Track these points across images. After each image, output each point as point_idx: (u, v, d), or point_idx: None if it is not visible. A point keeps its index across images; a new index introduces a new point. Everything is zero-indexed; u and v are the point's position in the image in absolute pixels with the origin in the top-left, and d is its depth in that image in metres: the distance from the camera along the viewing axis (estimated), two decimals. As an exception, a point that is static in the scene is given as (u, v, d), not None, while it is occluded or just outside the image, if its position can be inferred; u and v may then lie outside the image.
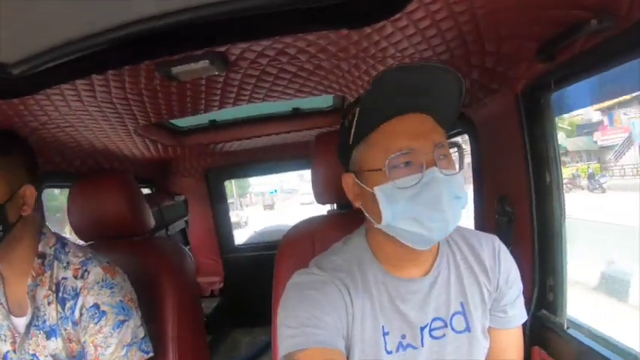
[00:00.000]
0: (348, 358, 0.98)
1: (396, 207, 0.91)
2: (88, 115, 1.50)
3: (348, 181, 1.05)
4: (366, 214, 1.02)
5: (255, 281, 3.53)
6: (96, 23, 0.86)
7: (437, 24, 1.07)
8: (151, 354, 1.26)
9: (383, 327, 1.00)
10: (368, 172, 0.96)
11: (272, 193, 44.25)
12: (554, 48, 1.10)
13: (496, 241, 1.13)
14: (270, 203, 39.22)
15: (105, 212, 1.57)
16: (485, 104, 1.60)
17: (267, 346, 3.28)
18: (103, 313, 1.19)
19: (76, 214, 1.59)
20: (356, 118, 0.96)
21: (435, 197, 0.88)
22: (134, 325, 1.24)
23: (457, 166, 0.98)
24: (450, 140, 0.96)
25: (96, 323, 1.18)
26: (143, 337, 1.25)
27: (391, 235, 0.97)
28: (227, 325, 3.75)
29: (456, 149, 1.00)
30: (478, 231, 1.20)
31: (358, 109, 0.95)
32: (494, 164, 1.71)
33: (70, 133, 1.66)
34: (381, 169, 0.91)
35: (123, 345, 1.19)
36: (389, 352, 0.98)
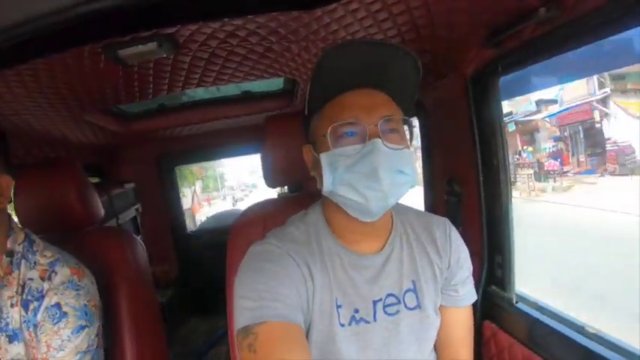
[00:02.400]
0: (307, 331, 0.99)
1: (336, 173, 0.94)
2: (32, 102, 1.43)
3: (307, 151, 1.07)
4: (318, 183, 1.04)
5: (209, 267, 3.51)
6: (37, 5, 0.83)
7: (388, 7, 1.08)
8: None
9: (336, 299, 1.01)
10: (318, 141, 1.00)
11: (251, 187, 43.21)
12: (502, 35, 1.14)
13: (447, 222, 1.18)
14: (241, 197, 37.85)
15: (53, 203, 1.50)
16: (436, 88, 1.63)
17: (226, 334, 3.27)
18: (65, 314, 1.13)
19: (23, 207, 1.51)
20: (308, 90, 0.99)
21: (372, 166, 0.90)
22: (93, 333, 1.18)
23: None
24: (402, 117, 0.98)
25: (54, 324, 1.12)
26: (97, 348, 1.20)
27: (340, 206, 1.00)
28: (183, 314, 3.69)
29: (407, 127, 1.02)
30: (430, 213, 1.23)
31: (310, 81, 0.97)
32: (443, 146, 1.76)
33: (14, 121, 1.58)
34: (324, 136, 0.95)
35: (78, 351, 1.14)
36: (342, 325, 1.00)
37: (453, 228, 1.17)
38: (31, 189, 1.51)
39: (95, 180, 3.10)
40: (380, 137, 0.91)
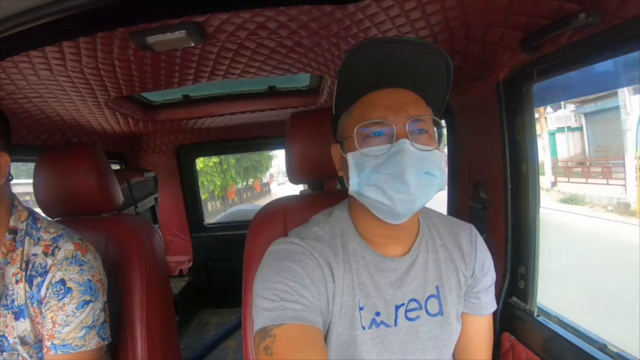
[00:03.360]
0: (327, 332, 0.99)
1: (362, 174, 0.93)
2: (57, 85, 1.44)
3: (335, 151, 1.07)
4: (345, 183, 1.02)
5: (224, 261, 3.52)
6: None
7: (422, 6, 1.06)
8: (108, 341, 1.22)
9: (359, 301, 1.00)
10: (345, 140, 0.99)
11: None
12: (539, 39, 1.11)
13: (473, 229, 1.16)
14: (283, 181, 39.88)
15: (72, 187, 1.51)
16: (465, 91, 1.60)
17: (237, 327, 3.28)
18: (69, 289, 1.14)
19: (41, 189, 1.52)
20: (335, 90, 0.97)
21: (400, 168, 0.88)
22: (98, 308, 1.19)
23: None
24: (432, 117, 0.96)
25: (59, 300, 1.13)
26: (103, 323, 1.21)
27: (366, 207, 0.98)
28: (195, 306, 3.73)
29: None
30: (456, 219, 1.21)
31: (336, 81, 0.96)
32: (470, 151, 1.72)
33: (38, 104, 1.60)
34: (351, 136, 0.94)
35: (83, 326, 1.14)
36: (363, 328, 0.99)
37: (479, 235, 1.15)
38: (51, 172, 1.53)
39: (116, 167, 3.12)
40: (408, 138, 0.89)
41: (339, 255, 1.02)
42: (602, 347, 1.12)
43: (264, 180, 29.61)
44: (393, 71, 0.93)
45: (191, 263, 3.68)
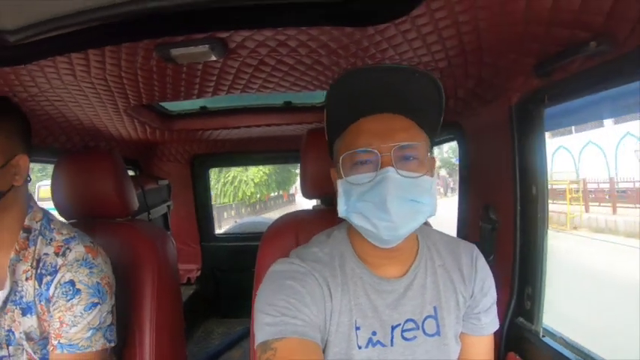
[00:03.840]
0: (324, 350, 1.00)
1: (349, 201, 0.96)
2: (80, 91, 1.47)
3: (332, 174, 1.09)
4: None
5: (232, 272, 3.53)
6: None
7: (439, 31, 1.08)
8: (114, 343, 1.24)
9: (356, 322, 1.01)
10: (337, 166, 1.01)
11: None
12: (551, 65, 1.13)
13: (475, 249, 1.16)
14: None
15: (90, 190, 1.54)
16: (478, 114, 1.63)
17: (242, 337, 3.27)
18: (78, 291, 1.16)
19: (59, 191, 1.56)
20: (325, 116, 1.01)
21: (382, 197, 0.90)
22: (105, 311, 1.21)
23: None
24: (412, 142, 0.94)
25: (68, 300, 1.15)
26: (109, 325, 1.22)
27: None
28: (201, 314, 3.73)
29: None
30: (459, 238, 1.22)
31: (325, 108, 0.99)
32: (481, 173, 1.74)
33: (59, 107, 1.63)
34: (339, 163, 0.97)
35: (90, 327, 1.16)
36: (359, 347, 1.00)
37: (480, 255, 1.16)
38: (68, 174, 1.56)
39: (131, 173, 3.16)
40: (393, 165, 0.91)
41: (337, 276, 1.03)
42: None
43: (291, 191, 35.00)
44: (378, 98, 0.95)
45: (199, 272, 3.69)
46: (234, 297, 3.65)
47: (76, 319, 1.15)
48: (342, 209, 0.98)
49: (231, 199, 26.74)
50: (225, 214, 23.66)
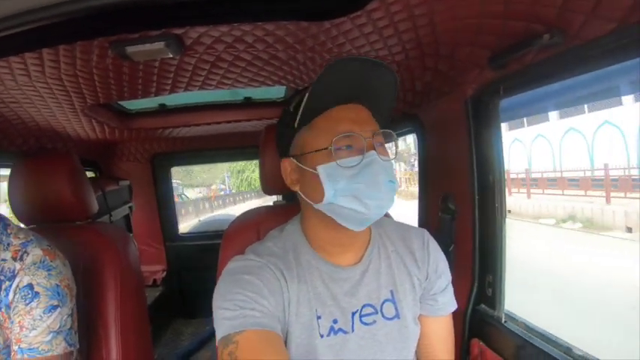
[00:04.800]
0: (286, 342, 1.01)
1: (338, 185, 0.96)
2: (35, 91, 1.43)
3: (287, 166, 1.09)
4: (304, 197, 1.05)
5: (198, 271, 3.49)
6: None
7: (395, 25, 1.10)
8: (75, 348, 1.21)
9: (316, 311, 1.02)
10: (312, 154, 1.00)
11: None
12: (506, 57, 1.16)
13: (425, 233, 1.20)
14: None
15: (47, 194, 1.49)
16: (435, 106, 1.65)
17: (211, 337, 3.24)
18: (36, 294, 1.13)
19: (17, 196, 1.50)
20: (304, 103, 1.00)
21: (374, 177, 0.94)
22: (65, 314, 1.18)
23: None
24: (383, 130, 1.02)
25: (27, 304, 1.12)
26: (70, 329, 1.19)
27: (328, 218, 1.01)
28: (169, 316, 3.67)
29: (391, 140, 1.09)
30: (409, 224, 1.25)
31: (307, 94, 0.99)
32: (440, 163, 1.78)
33: (14, 109, 1.58)
34: (326, 149, 0.96)
35: (50, 330, 1.13)
36: (322, 336, 1.02)
37: (432, 239, 1.19)
38: (25, 179, 1.51)
39: (91, 175, 3.09)
40: (375, 149, 0.96)
41: (293, 268, 1.05)
42: (567, 350, 1.17)
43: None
44: (358, 88, 0.98)
45: (165, 273, 3.63)
46: (202, 296, 3.60)
47: (35, 322, 1.12)
48: (329, 194, 0.97)
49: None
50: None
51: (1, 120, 1.66)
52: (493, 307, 1.44)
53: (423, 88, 1.59)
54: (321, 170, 0.98)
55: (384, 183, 0.95)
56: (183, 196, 30.15)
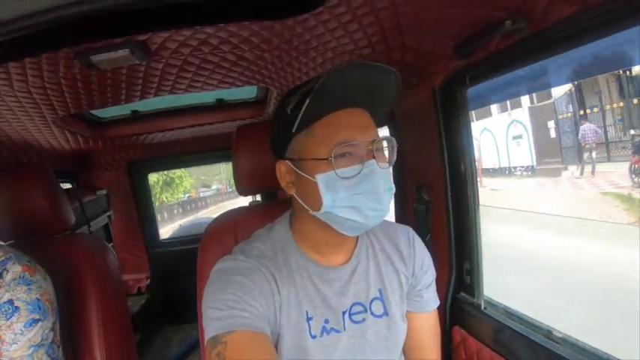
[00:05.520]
0: (277, 344, 1.01)
1: (337, 195, 0.94)
2: (5, 105, 1.41)
3: (282, 168, 1.06)
4: (301, 202, 1.03)
5: (182, 276, 3.46)
6: (11, 8, 0.83)
7: (359, 19, 1.09)
8: None
9: (307, 312, 1.03)
10: (310, 161, 0.98)
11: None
12: (470, 46, 1.17)
13: (410, 231, 1.21)
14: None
15: (23, 209, 1.47)
16: (405, 97, 1.66)
17: (199, 342, 3.22)
18: (17, 309, 1.12)
19: None
20: (304, 107, 0.94)
21: (374, 188, 0.93)
22: (47, 327, 1.17)
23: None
24: (383, 137, 1.00)
25: (7, 319, 1.11)
26: (51, 343, 1.18)
27: (322, 223, 1.00)
28: (156, 323, 3.63)
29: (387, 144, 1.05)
30: (394, 222, 1.26)
31: (308, 99, 0.94)
32: (412, 155, 1.79)
33: None
34: (326, 159, 0.94)
35: (31, 344, 1.12)
36: (314, 337, 1.02)
37: (417, 236, 1.20)
38: (0, 194, 1.49)
39: (67, 186, 3.05)
40: (374, 157, 0.95)
41: (283, 271, 1.04)
42: (547, 334, 1.19)
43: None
44: (361, 93, 0.96)
45: (149, 280, 3.60)
46: (188, 301, 3.54)
47: (16, 336, 1.11)
48: (327, 204, 0.95)
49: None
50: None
51: None
52: (472, 294, 1.46)
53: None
54: (320, 179, 0.96)
55: (383, 192, 0.95)
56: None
